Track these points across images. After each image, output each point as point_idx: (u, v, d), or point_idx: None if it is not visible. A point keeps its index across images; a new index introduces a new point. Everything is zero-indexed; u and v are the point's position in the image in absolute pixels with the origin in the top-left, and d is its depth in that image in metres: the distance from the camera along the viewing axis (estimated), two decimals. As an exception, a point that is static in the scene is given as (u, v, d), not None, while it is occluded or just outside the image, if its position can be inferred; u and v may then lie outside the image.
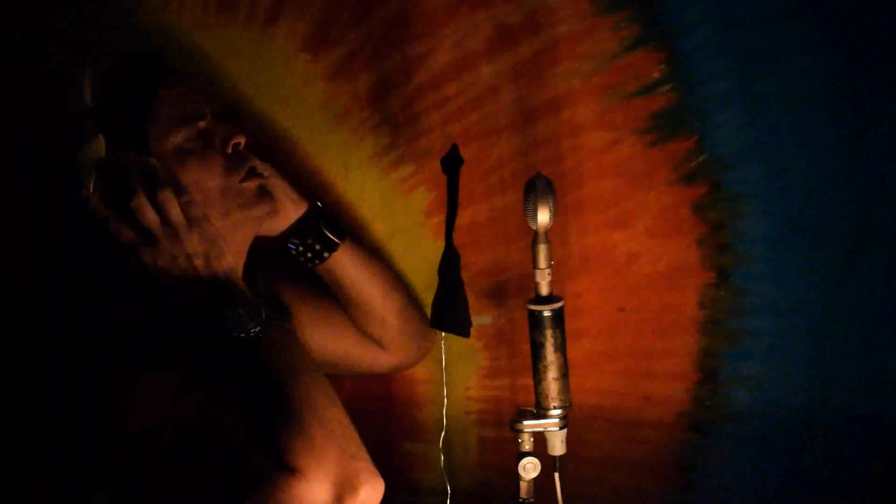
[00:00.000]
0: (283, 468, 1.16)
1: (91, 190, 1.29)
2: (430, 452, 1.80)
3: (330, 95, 1.70)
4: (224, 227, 1.35)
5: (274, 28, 1.68)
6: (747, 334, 1.73)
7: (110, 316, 1.28)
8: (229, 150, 1.40)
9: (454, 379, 1.75)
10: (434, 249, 1.72)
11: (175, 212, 1.28)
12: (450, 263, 1.39)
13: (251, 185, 1.43)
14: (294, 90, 1.70)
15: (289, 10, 1.67)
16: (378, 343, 1.67)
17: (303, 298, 1.62)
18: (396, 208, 1.74)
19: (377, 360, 1.68)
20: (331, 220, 1.58)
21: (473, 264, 1.71)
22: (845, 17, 1.63)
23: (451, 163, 1.41)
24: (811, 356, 1.73)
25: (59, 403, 1.24)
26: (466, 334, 1.44)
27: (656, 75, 1.67)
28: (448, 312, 1.40)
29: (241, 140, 1.42)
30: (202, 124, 1.40)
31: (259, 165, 1.49)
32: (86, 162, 1.30)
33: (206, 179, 1.36)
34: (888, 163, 1.66)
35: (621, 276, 1.74)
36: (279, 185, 1.53)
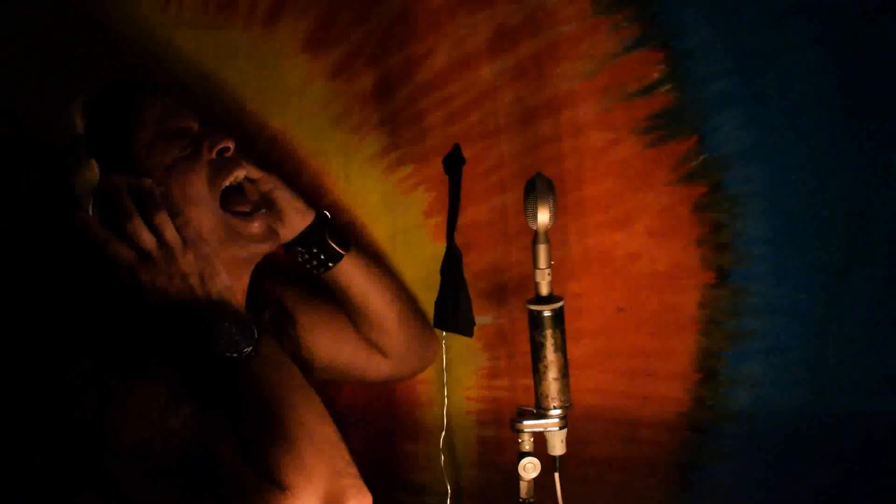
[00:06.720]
0: (273, 484, 1.18)
1: (89, 214, 1.30)
2: (430, 452, 1.80)
3: (330, 95, 1.70)
4: (223, 253, 1.36)
5: (274, 28, 1.68)
6: (747, 334, 1.73)
7: (105, 332, 1.28)
8: (213, 156, 1.40)
9: (454, 379, 1.75)
10: (434, 250, 1.72)
11: (170, 233, 1.29)
12: (452, 263, 1.39)
13: (257, 226, 1.43)
14: (294, 90, 1.70)
15: (289, 10, 1.67)
16: (381, 351, 1.68)
17: (307, 304, 1.62)
18: (396, 209, 1.74)
19: (379, 368, 1.69)
20: (336, 231, 1.59)
21: (473, 264, 1.71)
22: (844, 17, 1.64)
23: (454, 163, 1.41)
24: (811, 356, 1.73)
25: (53, 419, 1.25)
26: (469, 334, 1.43)
27: (656, 75, 1.67)
28: (451, 312, 1.40)
29: (230, 145, 1.42)
30: (193, 131, 1.41)
31: (259, 177, 1.50)
32: (81, 187, 1.32)
33: (191, 184, 1.37)
34: (888, 163, 1.66)
35: (621, 276, 1.74)
36: (284, 196, 1.54)
